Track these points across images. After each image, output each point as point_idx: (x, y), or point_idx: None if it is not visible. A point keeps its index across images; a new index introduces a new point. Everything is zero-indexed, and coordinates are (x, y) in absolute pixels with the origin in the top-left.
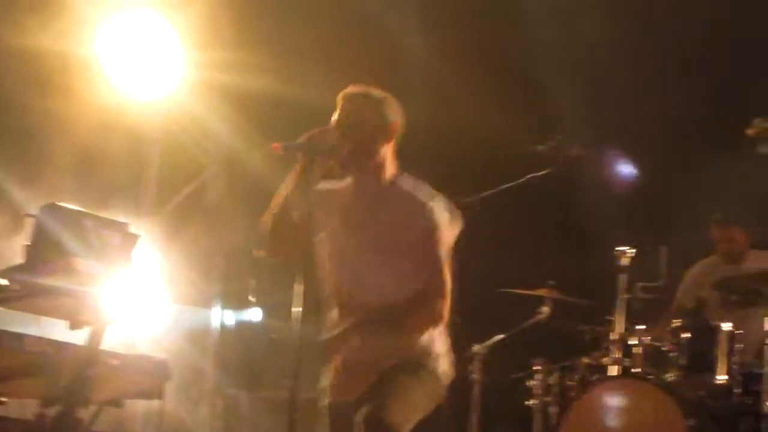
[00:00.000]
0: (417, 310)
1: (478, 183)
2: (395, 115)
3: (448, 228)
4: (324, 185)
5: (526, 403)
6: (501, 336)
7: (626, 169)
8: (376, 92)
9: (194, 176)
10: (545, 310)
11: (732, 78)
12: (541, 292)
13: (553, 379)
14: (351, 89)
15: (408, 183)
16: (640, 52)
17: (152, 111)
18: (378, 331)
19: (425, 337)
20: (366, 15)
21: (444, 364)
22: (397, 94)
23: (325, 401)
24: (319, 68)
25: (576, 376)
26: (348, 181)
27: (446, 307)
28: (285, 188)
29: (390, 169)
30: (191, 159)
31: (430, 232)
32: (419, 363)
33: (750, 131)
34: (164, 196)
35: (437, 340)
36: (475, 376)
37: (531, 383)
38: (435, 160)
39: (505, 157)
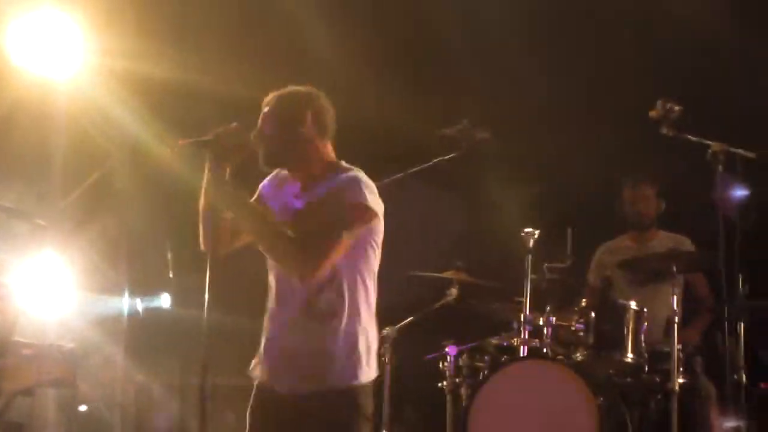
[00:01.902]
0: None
1: (386, 168)
2: (311, 103)
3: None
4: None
5: (438, 385)
6: (410, 318)
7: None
8: (291, 88)
9: (100, 164)
10: (453, 292)
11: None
12: (449, 274)
13: (463, 361)
14: (269, 95)
15: (339, 174)
16: (537, 34)
17: (56, 99)
18: (299, 328)
19: (348, 335)
20: (269, 5)
21: (369, 363)
22: (300, 83)
23: (256, 381)
24: (222, 59)
25: (486, 357)
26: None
27: (318, 261)
28: (202, 196)
29: (322, 159)
30: (96, 146)
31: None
32: (345, 394)
33: (652, 113)
34: (70, 183)
35: (361, 333)
36: (386, 359)
37: (442, 365)
38: (341, 148)
39: (411, 142)
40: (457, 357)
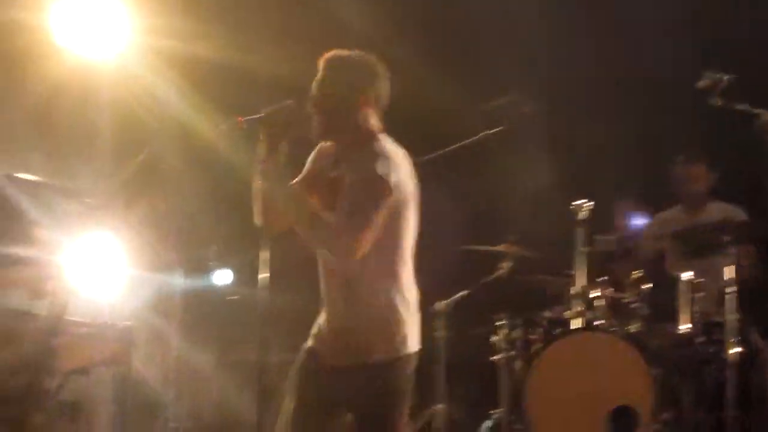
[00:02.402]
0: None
1: (432, 144)
2: (369, 74)
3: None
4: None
5: (491, 358)
6: (463, 293)
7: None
8: (349, 54)
9: (148, 143)
10: (506, 265)
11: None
12: (501, 247)
13: (516, 334)
14: (326, 55)
15: (382, 146)
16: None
17: (101, 79)
18: (339, 303)
19: (386, 310)
20: None
21: (409, 337)
22: None
23: (308, 344)
24: (267, 36)
25: (540, 331)
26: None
27: (356, 244)
28: (258, 176)
29: (365, 131)
30: (143, 126)
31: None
32: (386, 367)
33: (700, 84)
34: (119, 163)
35: (400, 306)
36: (440, 334)
37: (495, 339)
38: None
39: (456, 117)
40: (510, 330)
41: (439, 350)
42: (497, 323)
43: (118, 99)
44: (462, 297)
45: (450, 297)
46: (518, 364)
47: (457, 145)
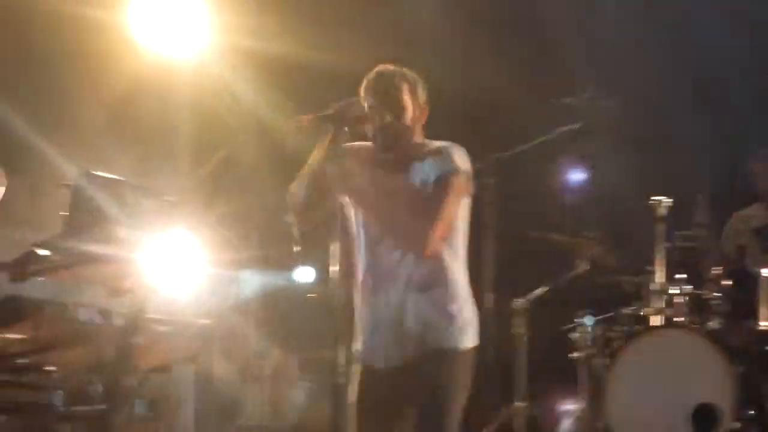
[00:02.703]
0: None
1: (511, 140)
2: (423, 88)
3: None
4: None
5: (571, 355)
6: (542, 290)
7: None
8: (406, 69)
9: (226, 141)
10: (585, 262)
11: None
12: (581, 244)
13: (596, 331)
14: (382, 68)
15: (433, 146)
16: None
17: (181, 77)
18: (399, 300)
19: (445, 290)
20: None
21: (471, 330)
22: (418, 58)
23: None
24: (343, 34)
25: (619, 328)
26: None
27: (430, 239)
28: (314, 158)
29: (419, 138)
30: (222, 123)
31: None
32: (448, 354)
33: None
34: (198, 160)
35: (469, 299)
36: (519, 331)
37: (574, 336)
38: (462, 122)
39: (533, 113)
40: (590, 327)
41: (519, 347)
42: (577, 320)
43: (196, 97)
44: (541, 294)
45: (529, 294)
46: (598, 361)
47: (537, 141)
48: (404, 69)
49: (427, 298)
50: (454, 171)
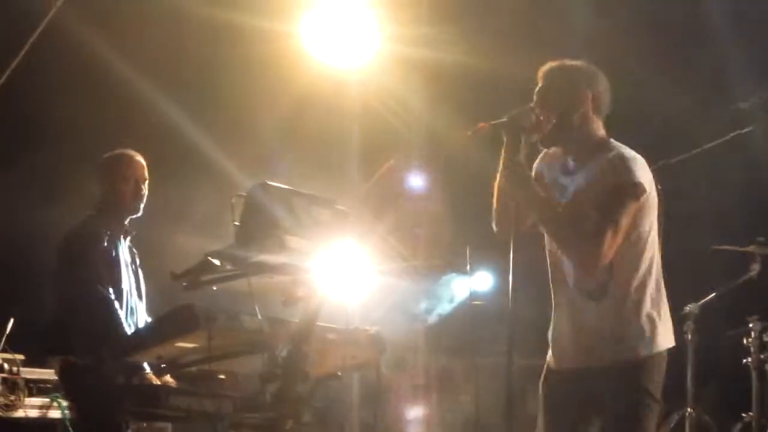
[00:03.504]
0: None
1: (680, 146)
2: (591, 82)
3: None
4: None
5: (742, 361)
6: (713, 294)
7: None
8: (570, 63)
9: (396, 150)
10: (756, 266)
11: None
12: (752, 248)
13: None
14: (547, 65)
15: (613, 150)
16: None
17: (351, 87)
18: (573, 308)
19: (632, 308)
20: None
21: (660, 335)
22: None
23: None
24: (510, 45)
25: None
26: (555, 152)
27: (604, 250)
28: (500, 174)
29: (595, 137)
30: (391, 132)
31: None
32: (638, 366)
33: None
34: (368, 169)
35: (648, 307)
36: (689, 336)
37: (746, 341)
38: (628, 128)
39: (702, 118)
40: (761, 332)
41: (689, 353)
42: (749, 325)
43: (366, 106)
44: (712, 299)
45: (700, 299)
46: None
47: (708, 145)
48: (573, 62)
49: (593, 308)
50: (628, 183)
